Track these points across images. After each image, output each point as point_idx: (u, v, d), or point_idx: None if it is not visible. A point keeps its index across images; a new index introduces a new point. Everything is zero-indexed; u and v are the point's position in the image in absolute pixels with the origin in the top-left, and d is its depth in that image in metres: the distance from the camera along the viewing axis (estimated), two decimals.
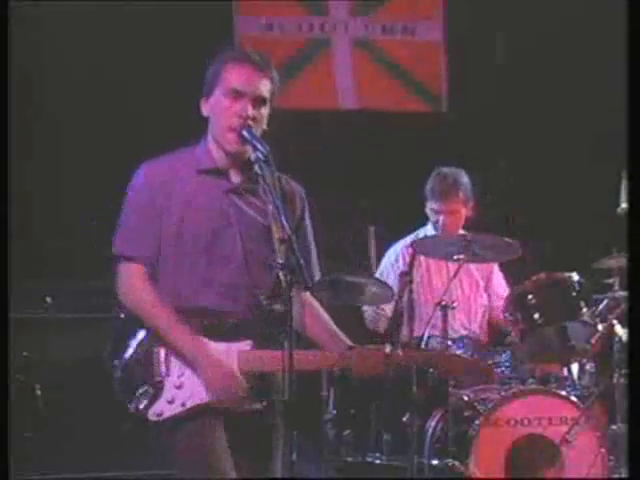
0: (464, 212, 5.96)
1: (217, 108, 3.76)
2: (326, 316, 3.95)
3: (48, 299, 6.28)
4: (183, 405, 3.67)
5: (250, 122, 3.69)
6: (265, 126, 3.79)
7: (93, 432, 6.03)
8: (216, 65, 3.80)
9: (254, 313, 3.73)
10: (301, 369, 3.58)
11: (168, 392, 3.68)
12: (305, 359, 3.67)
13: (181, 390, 3.68)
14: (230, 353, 3.68)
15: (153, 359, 3.70)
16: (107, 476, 6.10)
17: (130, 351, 3.74)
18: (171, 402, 3.67)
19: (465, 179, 5.98)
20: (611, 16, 6.55)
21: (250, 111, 3.70)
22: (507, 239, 5.27)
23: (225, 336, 3.70)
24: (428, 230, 6.04)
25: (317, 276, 3.96)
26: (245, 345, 3.70)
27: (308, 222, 3.92)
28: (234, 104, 3.72)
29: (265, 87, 3.75)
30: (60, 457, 6.04)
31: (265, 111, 3.77)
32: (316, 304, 3.95)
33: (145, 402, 3.67)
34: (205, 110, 3.81)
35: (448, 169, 6.00)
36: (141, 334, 3.74)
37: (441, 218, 5.91)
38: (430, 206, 5.97)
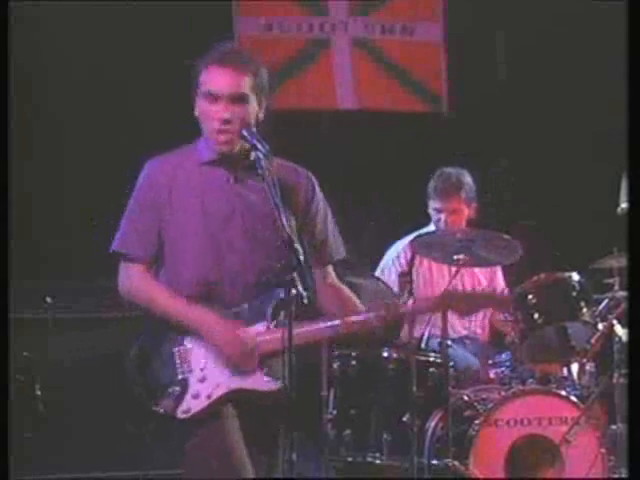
0: (466, 212, 5.94)
1: (199, 112, 3.80)
2: (348, 294, 3.97)
3: (48, 299, 6.28)
4: (209, 397, 3.70)
5: (227, 127, 3.71)
6: (261, 118, 3.79)
7: (93, 432, 6.04)
8: (195, 69, 3.81)
9: (261, 299, 3.77)
10: (314, 339, 3.71)
11: (193, 387, 3.71)
12: (314, 330, 3.73)
13: (204, 383, 3.72)
14: (244, 337, 3.73)
15: (175, 358, 3.74)
16: (107, 476, 6.10)
17: (154, 354, 3.77)
18: (196, 397, 3.70)
19: (468, 179, 5.97)
20: (611, 15, 6.56)
21: (226, 113, 3.71)
22: (507, 236, 5.26)
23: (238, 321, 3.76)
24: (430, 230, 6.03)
25: (340, 253, 3.97)
26: (261, 327, 3.74)
27: (319, 203, 3.92)
28: (212, 107, 3.74)
29: (243, 84, 3.74)
30: (60, 457, 6.04)
31: (250, 107, 3.76)
32: (336, 282, 3.97)
33: (172, 402, 3.70)
34: (196, 113, 3.84)
35: (451, 169, 5.99)
36: (164, 337, 3.78)
37: (442, 217, 5.90)
38: (432, 205, 5.95)
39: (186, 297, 3.76)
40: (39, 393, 6.08)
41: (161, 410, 3.70)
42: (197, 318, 3.74)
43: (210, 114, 3.75)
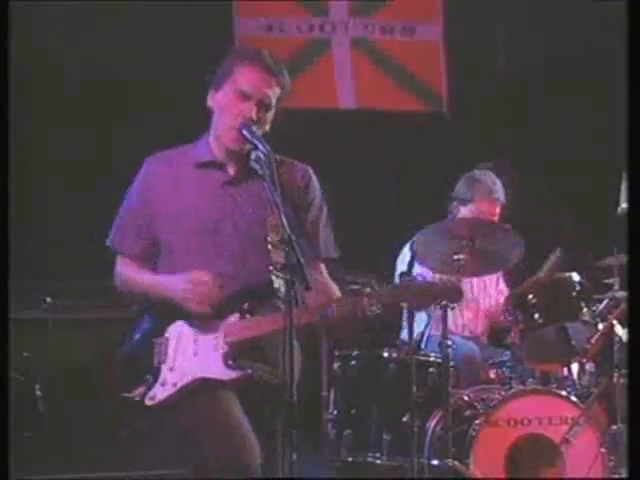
0: (498, 212, 5.89)
1: (223, 104, 3.82)
2: (335, 291, 3.96)
3: (48, 299, 6.28)
4: (174, 385, 3.75)
5: (252, 123, 3.73)
6: (267, 128, 3.84)
7: (93, 432, 6.03)
8: (230, 61, 3.86)
9: (263, 287, 3.79)
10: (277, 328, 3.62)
11: (162, 375, 3.77)
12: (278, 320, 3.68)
13: (173, 372, 3.77)
14: (219, 328, 3.76)
15: (154, 348, 3.81)
16: (107, 476, 6.10)
17: (133, 342, 3.87)
18: (163, 384, 3.77)
19: (498, 180, 5.91)
20: (611, 14, 6.56)
21: (254, 113, 3.76)
22: (508, 225, 5.24)
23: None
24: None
25: (329, 252, 3.97)
26: (232, 318, 3.77)
27: (314, 198, 3.94)
28: (240, 104, 3.77)
29: (273, 92, 3.81)
30: (60, 457, 6.04)
31: (270, 114, 3.83)
32: (323, 279, 3.96)
33: (144, 389, 3.77)
34: (211, 102, 3.87)
35: (480, 171, 5.91)
36: (145, 325, 3.87)
37: None
38: (468, 209, 5.82)
39: None
40: (39, 393, 6.07)
41: (137, 397, 3.76)
42: (165, 281, 3.81)
43: (235, 110, 3.76)
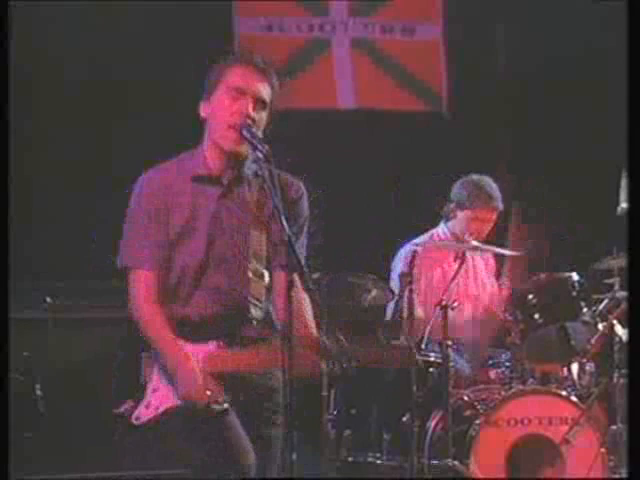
0: (494, 219, 5.91)
1: (217, 107, 3.78)
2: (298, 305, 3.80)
3: (48, 299, 6.28)
4: (157, 408, 3.74)
5: (249, 121, 3.72)
6: (260, 134, 3.79)
7: (93, 432, 6.03)
8: (220, 66, 3.83)
9: (240, 316, 3.78)
10: (238, 370, 3.71)
11: (147, 396, 3.76)
12: (241, 359, 3.72)
13: (156, 393, 3.76)
14: (195, 354, 3.73)
15: (141, 363, 3.79)
16: (107, 476, 6.09)
17: (133, 357, 3.82)
18: (147, 406, 3.75)
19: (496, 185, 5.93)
20: (611, 14, 6.57)
21: (251, 110, 3.73)
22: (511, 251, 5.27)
23: (194, 336, 3.76)
24: (441, 230, 6.01)
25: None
26: (210, 346, 3.75)
27: (301, 212, 3.91)
28: (235, 102, 3.75)
29: (266, 90, 3.79)
30: (60, 457, 6.03)
31: (264, 114, 3.80)
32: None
33: (131, 405, 3.76)
34: (204, 111, 3.84)
35: (479, 177, 5.91)
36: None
37: (475, 226, 5.81)
38: (466, 215, 5.81)
39: (175, 315, 3.78)
40: (39, 393, 6.07)
41: (125, 414, 3.75)
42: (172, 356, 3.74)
43: (231, 108, 3.73)
